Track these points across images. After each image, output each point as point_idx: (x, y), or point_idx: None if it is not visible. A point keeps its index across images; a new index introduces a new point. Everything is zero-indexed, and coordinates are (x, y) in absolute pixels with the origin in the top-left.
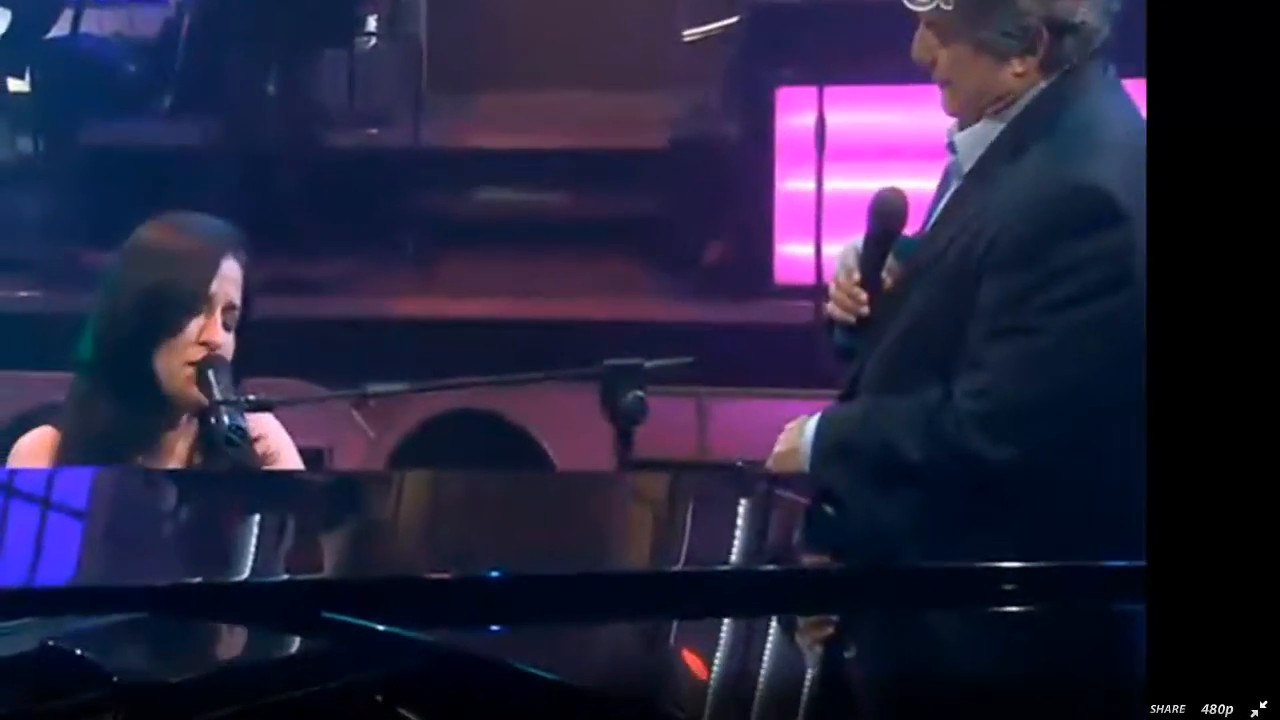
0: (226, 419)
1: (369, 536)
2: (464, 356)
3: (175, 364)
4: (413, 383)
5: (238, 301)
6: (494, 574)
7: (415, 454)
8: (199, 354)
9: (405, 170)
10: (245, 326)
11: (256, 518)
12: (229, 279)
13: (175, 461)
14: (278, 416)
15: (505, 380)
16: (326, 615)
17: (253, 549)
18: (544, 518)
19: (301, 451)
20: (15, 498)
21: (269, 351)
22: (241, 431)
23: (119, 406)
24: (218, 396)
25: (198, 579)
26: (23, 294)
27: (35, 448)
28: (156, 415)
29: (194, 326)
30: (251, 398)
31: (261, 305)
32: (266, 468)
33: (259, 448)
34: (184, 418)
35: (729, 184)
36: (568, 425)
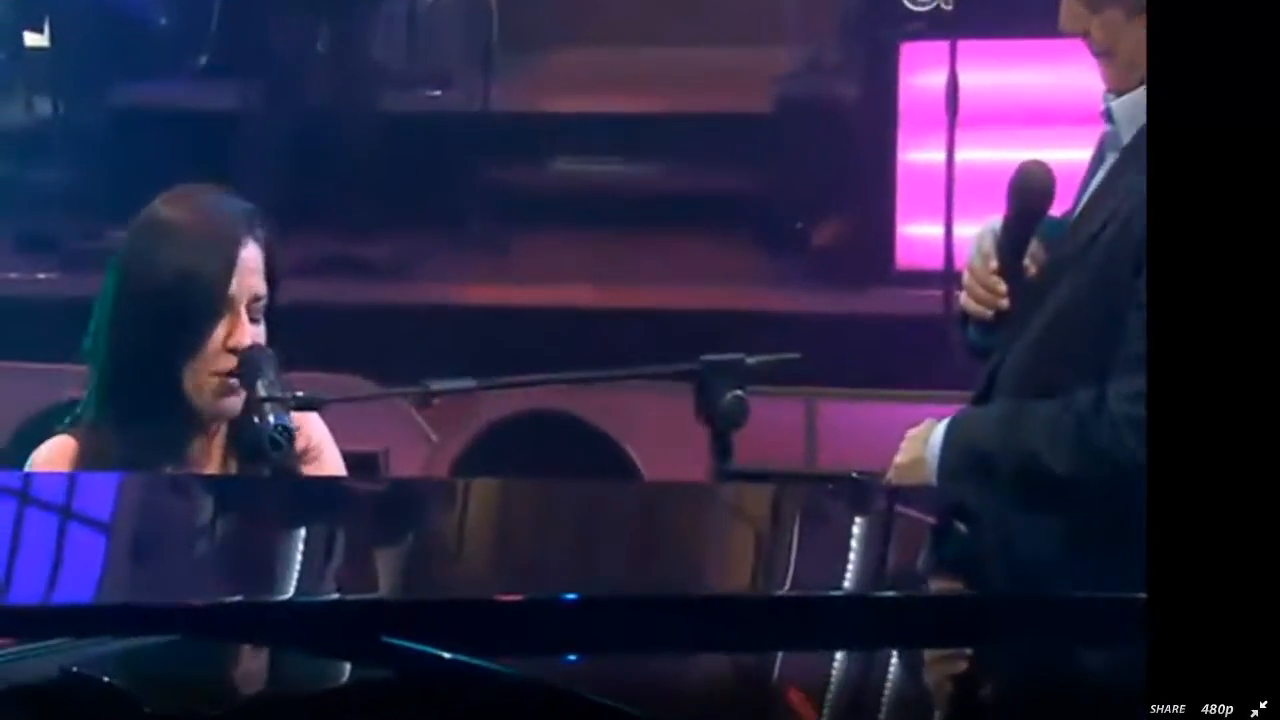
0: (271, 418)
1: (431, 552)
2: (538, 351)
3: (202, 376)
4: (480, 380)
5: (262, 290)
6: (571, 597)
7: (482, 460)
8: (228, 363)
9: (471, 138)
10: (276, 312)
11: (304, 530)
12: (249, 269)
13: (209, 469)
14: (325, 417)
15: (585, 378)
16: (385, 640)
17: (299, 565)
18: (628, 534)
19: (355, 456)
20: (34, 506)
21: (317, 342)
22: (287, 432)
23: (138, 419)
24: (261, 392)
25: (237, 597)
26: (40, 276)
27: (54, 460)
28: (183, 426)
29: (219, 334)
30: (299, 394)
31: (309, 290)
32: (308, 469)
33: (300, 445)
34: (220, 426)
35: (844, 154)
36: (656, 429)
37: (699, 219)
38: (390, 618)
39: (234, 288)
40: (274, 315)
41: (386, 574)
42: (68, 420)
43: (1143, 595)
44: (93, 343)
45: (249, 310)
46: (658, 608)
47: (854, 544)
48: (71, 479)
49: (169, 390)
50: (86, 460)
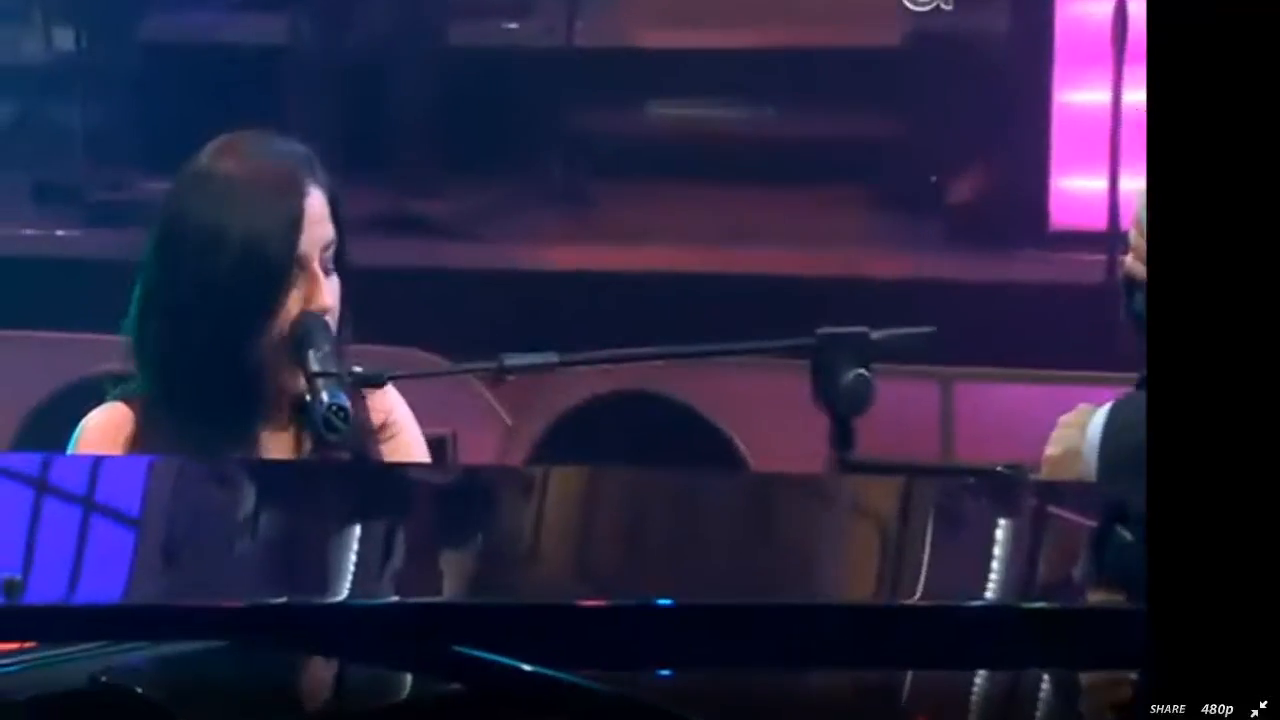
0: (325, 396)
1: (505, 550)
2: (628, 322)
3: (279, 352)
4: (562, 355)
5: (332, 235)
6: (665, 603)
7: (564, 446)
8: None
9: (552, 76)
10: (346, 259)
11: (362, 523)
12: (316, 218)
13: (281, 452)
14: None
15: (683, 354)
16: (456, 650)
17: (355, 563)
18: (731, 533)
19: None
20: (50, 491)
21: (375, 312)
22: (343, 413)
23: (203, 400)
24: (314, 367)
25: (283, 599)
26: (61, 233)
27: (107, 430)
28: (255, 406)
29: (294, 298)
30: (357, 369)
31: (366, 253)
32: (387, 447)
33: (376, 422)
34: (289, 406)
35: (989, 94)
36: (765, 414)
37: (817, 170)
38: (459, 623)
39: (304, 243)
40: (347, 264)
41: (454, 574)
42: (117, 390)
43: None
44: (140, 317)
45: (322, 260)
46: (765, 617)
47: (997, 549)
48: (100, 463)
49: (240, 367)
50: (145, 434)
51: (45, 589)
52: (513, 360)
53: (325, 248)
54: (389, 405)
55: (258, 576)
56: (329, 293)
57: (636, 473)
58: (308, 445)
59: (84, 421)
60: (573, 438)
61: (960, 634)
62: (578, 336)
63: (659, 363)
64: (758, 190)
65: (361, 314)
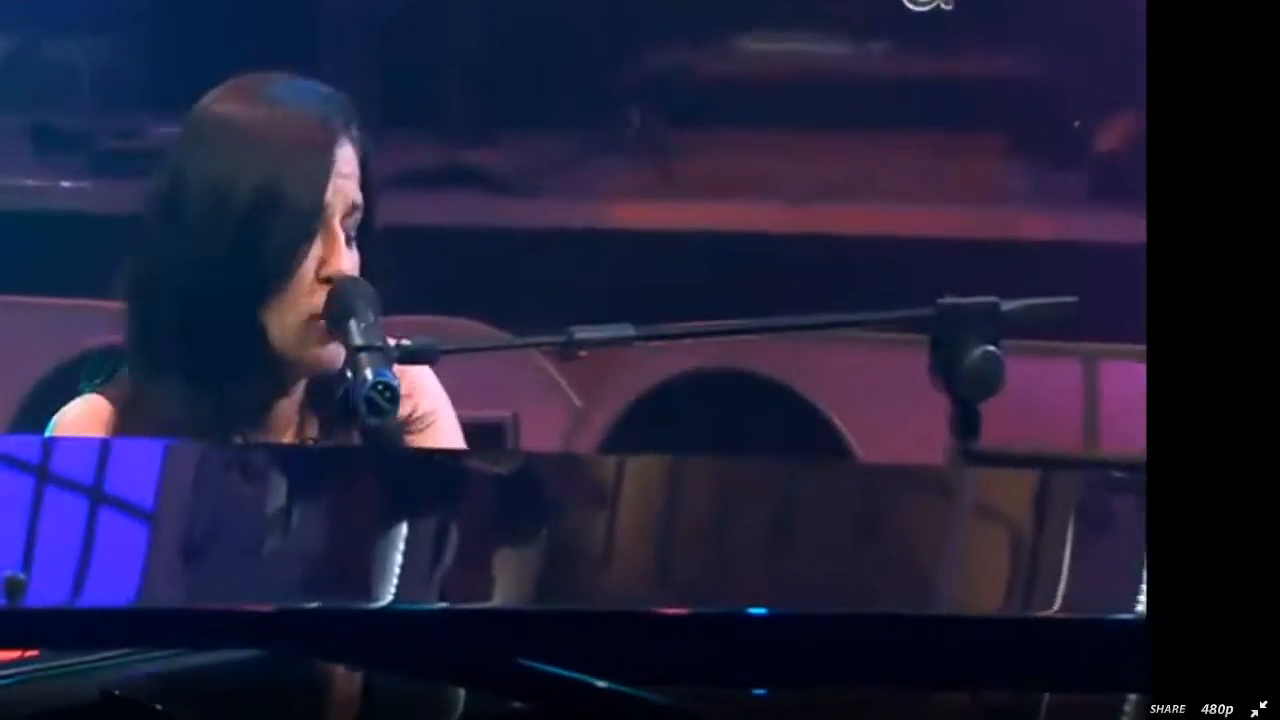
0: (369, 373)
1: (574, 549)
2: (717, 290)
3: (289, 318)
4: (639, 327)
5: (359, 200)
6: (758, 611)
7: (641, 432)
8: (315, 304)
9: (628, 4)
10: (374, 234)
11: (407, 518)
12: (345, 174)
13: (284, 436)
14: (437, 373)
15: (781, 326)
16: (519, 663)
17: (400, 563)
18: (836, 531)
19: (475, 424)
20: (59, 481)
21: (425, 278)
22: (390, 392)
23: (203, 376)
24: (356, 340)
25: (315, 603)
26: (65, 184)
27: (82, 427)
28: (261, 383)
29: (310, 261)
30: (406, 343)
31: (414, 211)
32: (416, 441)
33: (405, 410)
34: (302, 383)
35: (1143, 24)
36: (877, 395)
37: (936, 115)
38: (520, 633)
39: (329, 196)
40: (372, 237)
41: (515, 577)
42: (98, 379)
43: None
44: (135, 278)
45: (344, 225)
46: (873, 629)
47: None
48: (108, 446)
49: (246, 338)
50: (127, 428)
51: (50, 589)
52: (583, 333)
53: (349, 212)
54: (420, 388)
55: (289, 578)
56: (348, 260)
57: (724, 462)
58: (315, 431)
59: (56, 418)
60: (651, 422)
61: (1106, 651)
62: (657, 306)
63: (751, 337)
64: (865, 138)
65: (408, 280)
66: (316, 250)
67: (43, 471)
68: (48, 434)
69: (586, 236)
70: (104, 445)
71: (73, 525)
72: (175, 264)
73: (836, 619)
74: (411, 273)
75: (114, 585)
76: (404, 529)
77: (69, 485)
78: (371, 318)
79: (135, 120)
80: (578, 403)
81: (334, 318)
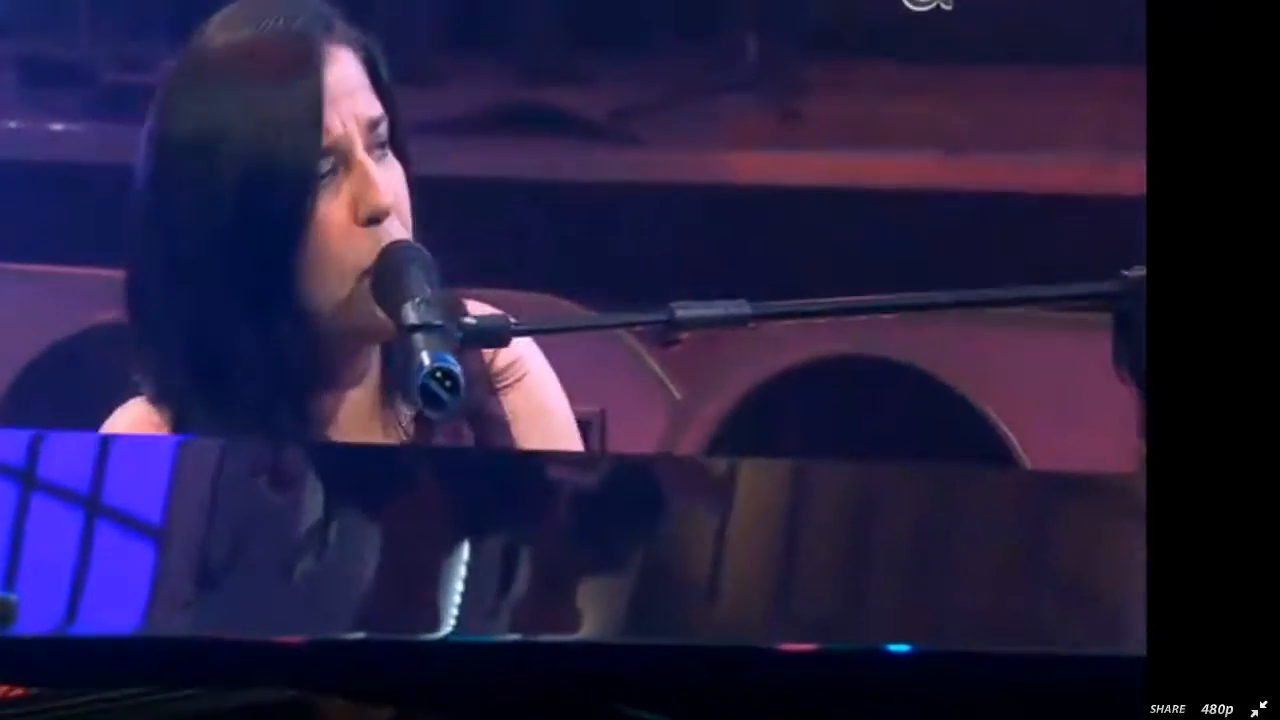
0: (426, 357)
1: (677, 573)
2: (850, 259)
3: (330, 278)
4: (755, 305)
5: (377, 110)
6: (899, 648)
7: (756, 430)
8: (365, 245)
9: None
10: (403, 140)
11: (472, 532)
12: (345, 89)
13: (357, 433)
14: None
15: (927, 304)
16: (613, 707)
17: (464, 586)
18: (994, 552)
19: None
20: (53, 487)
21: (496, 241)
22: (452, 380)
23: (232, 379)
24: (410, 319)
25: (362, 634)
26: (57, 127)
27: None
28: (318, 371)
29: (339, 205)
30: (471, 321)
31: (479, 162)
32: (508, 399)
33: (507, 390)
34: (373, 361)
35: None
36: (1045, 386)
37: (1114, 49)
38: (612, 671)
39: (334, 126)
40: (406, 147)
41: (605, 604)
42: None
43: None
44: (137, 263)
45: (368, 146)
46: (1038, 669)
47: None
48: (111, 443)
49: (284, 316)
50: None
51: (43, 614)
52: (686, 311)
53: (371, 126)
54: (515, 358)
55: (329, 603)
56: (385, 187)
57: (855, 469)
58: (392, 423)
59: (107, 425)
60: (767, 418)
61: None
62: (777, 279)
63: (890, 317)
64: (1028, 77)
65: (474, 245)
66: (344, 189)
67: (34, 473)
68: None
69: (692, 194)
70: (105, 442)
71: (70, 538)
72: (177, 237)
73: (993, 659)
74: (478, 236)
75: (119, 611)
76: (467, 545)
77: (65, 491)
78: (428, 291)
79: (141, 49)
80: (678, 396)
81: (385, 293)
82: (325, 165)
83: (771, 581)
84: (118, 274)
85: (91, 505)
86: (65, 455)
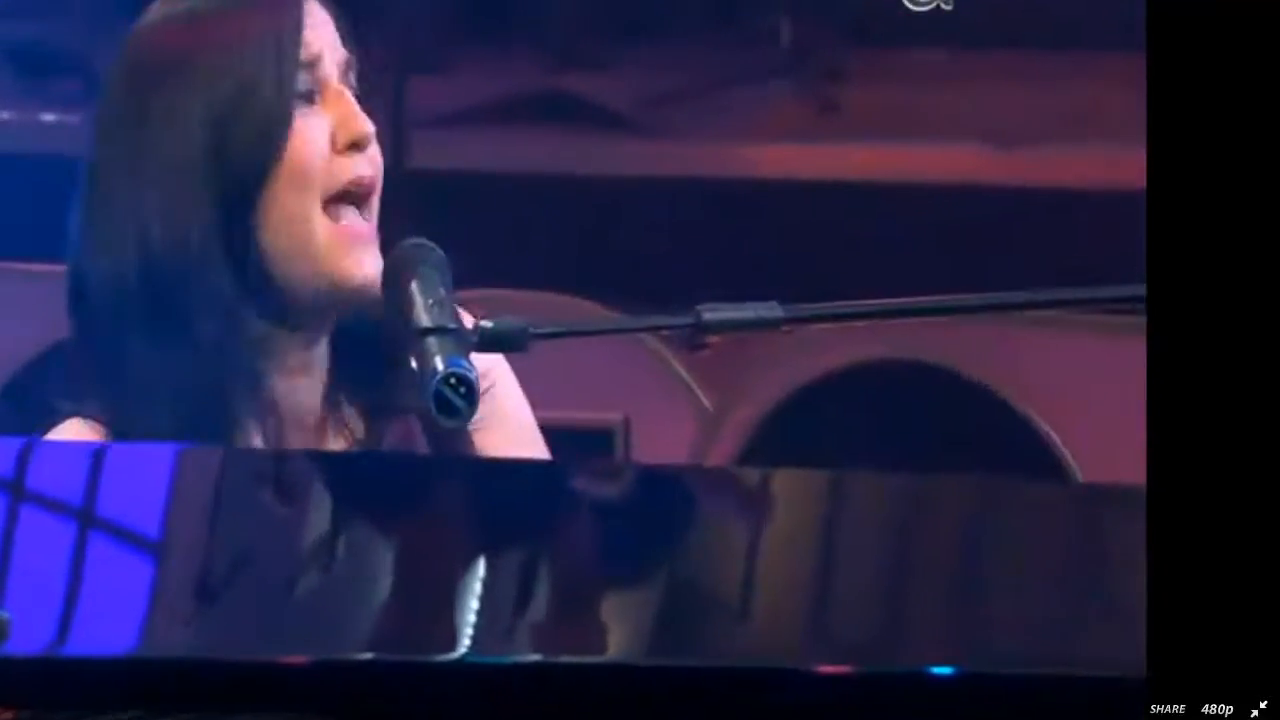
0: (439, 361)
1: (706, 591)
2: (891, 258)
3: (305, 205)
4: (790, 307)
5: (348, 55)
6: (942, 671)
7: (790, 441)
8: (352, 173)
9: None
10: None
11: (486, 546)
12: (320, 22)
13: (309, 433)
14: (524, 363)
15: (977, 306)
16: None
17: (479, 605)
18: (1045, 570)
19: (576, 428)
20: (41, 500)
21: (511, 237)
22: (466, 386)
23: (183, 337)
24: (423, 320)
25: (369, 655)
26: (49, 118)
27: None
28: (272, 333)
29: (318, 133)
30: (487, 324)
31: (496, 154)
32: (479, 435)
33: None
34: (322, 339)
35: None
36: (1102, 396)
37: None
38: (637, 693)
39: (314, 48)
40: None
41: (630, 623)
42: (70, 403)
43: None
44: (86, 249)
45: (343, 78)
46: (1089, 693)
47: None
48: (104, 453)
49: (250, 262)
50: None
51: (32, 634)
52: (715, 313)
53: (346, 67)
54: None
55: (335, 621)
56: (367, 121)
57: (897, 479)
58: (352, 417)
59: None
60: (803, 428)
61: None
62: (812, 279)
63: (934, 320)
64: (1098, 61)
65: (490, 245)
66: (323, 115)
67: (24, 484)
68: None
69: (721, 188)
70: (99, 451)
71: (62, 552)
72: (148, 191)
73: (1040, 680)
74: (494, 233)
75: (114, 629)
76: (482, 560)
77: (57, 502)
78: (442, 292)
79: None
80: (707, 404)
81: (393, 292)
82: (303, 85)
83: (807, 600)
84: None
85: (84, 517)
86: (57, 465)
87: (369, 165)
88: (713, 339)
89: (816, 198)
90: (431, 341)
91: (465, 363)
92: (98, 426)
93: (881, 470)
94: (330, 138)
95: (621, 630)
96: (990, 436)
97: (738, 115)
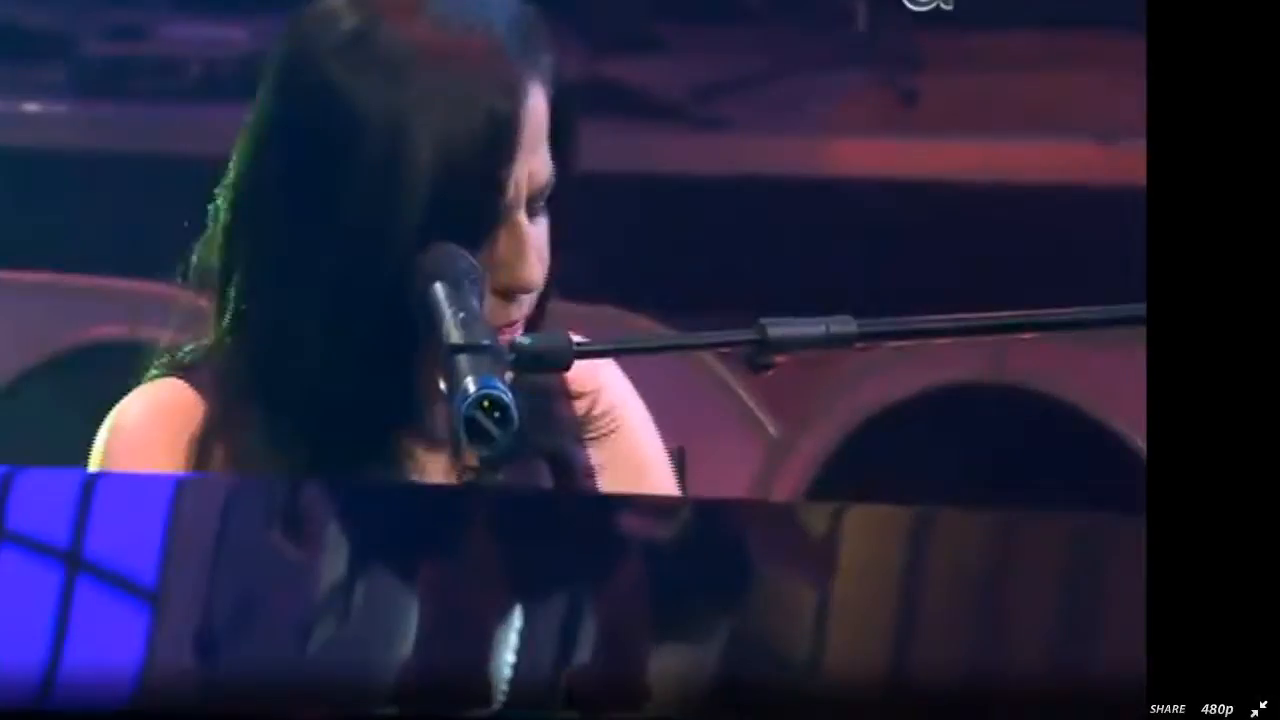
0: (471, 383)
1: (773, 639)
2: (977, 267)
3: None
4: (864, 322)
5: (550, 170)
6: None
7: (866, 471)
8: (496, 310)
9: None
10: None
11: (534, 589)
12: (535, 138)
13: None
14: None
15: (1072, 322)
16: None
17: (516, 655)
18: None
19: None
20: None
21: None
22: (501, 410)
23: (324, 388)
24: (454, 338)
25: (393, 710)
26: (34, 109)
27: (162, 417)
28: (408, 396)
29: (491, 256)
30: (524, 341)
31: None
32: (598, 452)
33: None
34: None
35: None
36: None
37: None
38: None
39: (507, 182)
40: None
41: (684, 677)
42: (165, 357)
43: None
44: (229, 256)
45: (531, 210)
46: None
47: None
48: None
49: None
50: (224, 423)
51: (18, 684)
52: (781, 329)
53: (541, 191)
54: (597, 383)
55: (356, 672)
56: (536, 258)
57: (988, 516)
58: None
59: (119, 411)
60: (879, 458)
61: None
62: (889, 292)
63: (1027, 337)
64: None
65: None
66: (494, 249)
67: (4, 519)
68: (102, 439)
69: (789, 188)
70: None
71: (49, 593)
72: (292, 241)
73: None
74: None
75: (106, 680)
76: (520, 606)
77: (42, 543)
78: (475, 305)
79: (141, 19)
80: (772, 430)
81: (421, 303)
82: (501, 204)
83: (884, 649)
84: (114, 284)
85: (73, 557)
86: (44, 496)
87: (519, 311)
88: (779, 358)
89: (893, 197)
90: (462, 360)
91: (499, 383)
92: (195, 391)
93: (965, 506)
94: (492, 275)
95: (670, 687)
96: (1084, 464)
97: (804, 106)
